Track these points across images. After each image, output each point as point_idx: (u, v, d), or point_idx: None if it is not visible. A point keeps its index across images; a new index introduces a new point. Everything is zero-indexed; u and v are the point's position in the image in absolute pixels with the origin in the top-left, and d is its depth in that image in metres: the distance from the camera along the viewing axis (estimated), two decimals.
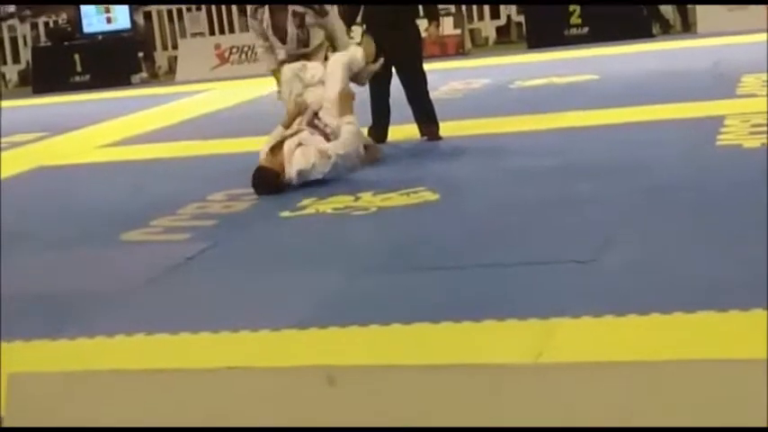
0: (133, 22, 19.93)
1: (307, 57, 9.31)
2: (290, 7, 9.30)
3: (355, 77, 9.14)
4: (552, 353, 4.56)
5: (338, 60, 9.01)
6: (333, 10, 9.58)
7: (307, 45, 9.37)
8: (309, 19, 9.31)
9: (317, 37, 9.39)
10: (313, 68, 9.03)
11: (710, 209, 6.70)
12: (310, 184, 8.39)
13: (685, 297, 5.04)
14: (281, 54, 9.37)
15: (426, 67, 10.13)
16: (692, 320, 4.77)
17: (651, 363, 4.33)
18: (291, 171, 8.35)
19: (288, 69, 9.16)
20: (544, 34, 18.00)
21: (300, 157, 8.38)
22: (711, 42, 15.83)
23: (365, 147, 9.21)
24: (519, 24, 19.51)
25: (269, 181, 8.34)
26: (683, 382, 3.49)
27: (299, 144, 8.48)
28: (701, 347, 4.48)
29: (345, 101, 8.79)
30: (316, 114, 8.76)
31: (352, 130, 8.65)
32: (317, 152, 8.41)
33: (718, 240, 5.97)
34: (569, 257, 5.94)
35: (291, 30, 9.35)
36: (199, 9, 20.97)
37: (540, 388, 3.58)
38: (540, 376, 4.18)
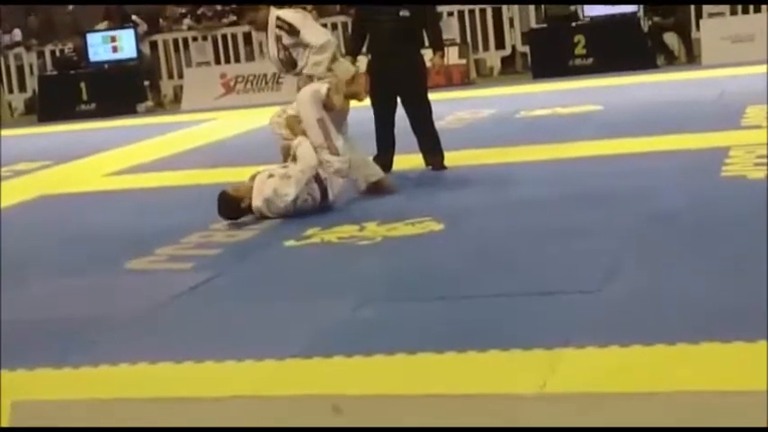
0: (139, 51, 20.01)
1: (306, 77, 9.18)
2: (273, 30, 9.19)
3: (329, 106, 8.90)
4: (557, 383, 4.55)
5: (301, 100, 8.87)
6: (306, 25, 9.16)
7: (294, 66, 9.17)
8: (286, 40, 9.10)
9: (304, 57, 9.09)
10: (292, 109, 9.01)
11: (715, 240, 6.70)
12: (314, 214, 8.41)
13: (690, 328, 5.03)
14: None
15: (431, 96, 10.15)
16: (696, 351, 4.76)
17: (655, 394, 4.33)
18: (258, 202, 8.42)
19: (273, 115, 9.19)
20: (549, 65, 18.07)
21: (264, 187, 8.45)
22: (716, 74, 15.87)
23: (375, 182, 9.17)
24: (524, 55, 19.59)
25: (230, 206, 8.50)
26: (686, 413, 3.48)
27: (270, 176, 8.54)
28: (704, 379, 4.47)
29: (322, 127, 8.72)
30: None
31: (305, 146, 8.58)
32: (278, 178, 8.47)
33: (723, 271, 5.96)
34: (574, 287, 5.93)
35: (273, 53, 9.32)
36: (205, 39, 21.06)
37: (545, 417, 3.58)
38: (545, 406, 4.17)
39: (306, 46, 9.03)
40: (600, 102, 13.77)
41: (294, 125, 8.81)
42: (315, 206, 8.52)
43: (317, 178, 8.55)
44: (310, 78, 9.02)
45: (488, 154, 10.65)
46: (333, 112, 8.82)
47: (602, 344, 4.91)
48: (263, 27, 9.35)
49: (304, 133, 8.68)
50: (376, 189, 9.16)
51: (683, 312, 5.32)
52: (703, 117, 11.60)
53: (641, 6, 18.20)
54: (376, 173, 9.27)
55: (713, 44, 17.90)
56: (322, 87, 8.82)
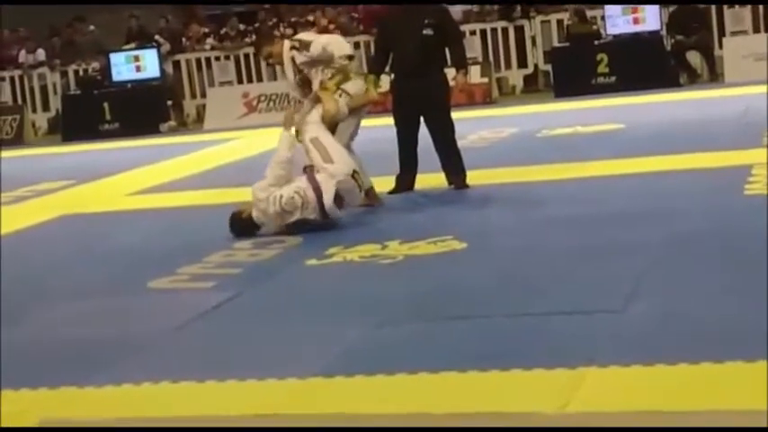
0: (162, 70, 20.10)
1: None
2: (288, 55, 9.15)
3: (326, 116, 8.92)
4: (579, 402, 4.53)
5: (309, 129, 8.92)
6: (316, 40, 9.18)
7: (310, 88, 9.15)
8: (299, 59, 9.09)
9: (317, 76, 9.11)
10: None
11: (738, 258, 6.67)
12: (336, 230, 8.43)
13: (713, 347, 5.00)
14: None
15: (454, 115, 10.15)
16: (719, 371, 4.74)
17: (678, 413, 4.32)
18: (254, 211, 8.65)
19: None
20: (571, 83, 18.07)
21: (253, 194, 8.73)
22: (738, 92, 15.82)
23: (367, 192, 9.20)
24: (546, 73, 19.59)
25: (233, 221, 8.76)
26: None
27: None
28: (729, 398, 4.45)
29: (317, 146, 8.83)
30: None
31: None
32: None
33: (746, 290, 5.93)
34: (597, 307, 5.91)
35: (291, 79, 9.33)
36: (227, 58, 21.13)
37: None
38: (567, 425, 4.16)
39: (318, 62, 8.98)
40: (622, 120, 13.74)
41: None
42: (309, 206, 8.53)
43: (313, 182, 8.57)
44: (318, 100, 9.01)
45: (510, 173, 10.64)
46: (343, 119, 8.92)
47: (625, 363, 4.90)
48: (280, 58, 9.36)
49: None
50: (366, 195, 9.19)
51: (707, 331, 5.30)
52: (726, 135, 11.57)
53: (664, 25, 18.20)
54: (366, 182, 9.21)
55: (736, 62, 17.88)
56: (312, 110, 8.89)
